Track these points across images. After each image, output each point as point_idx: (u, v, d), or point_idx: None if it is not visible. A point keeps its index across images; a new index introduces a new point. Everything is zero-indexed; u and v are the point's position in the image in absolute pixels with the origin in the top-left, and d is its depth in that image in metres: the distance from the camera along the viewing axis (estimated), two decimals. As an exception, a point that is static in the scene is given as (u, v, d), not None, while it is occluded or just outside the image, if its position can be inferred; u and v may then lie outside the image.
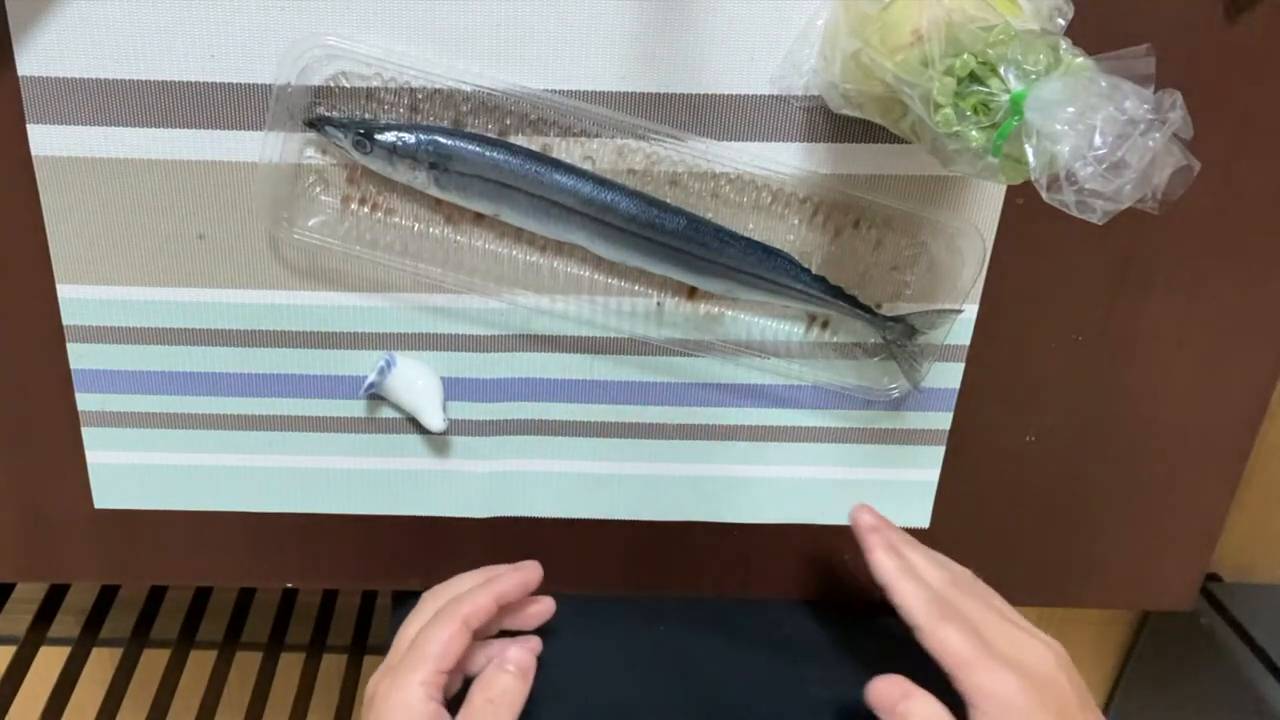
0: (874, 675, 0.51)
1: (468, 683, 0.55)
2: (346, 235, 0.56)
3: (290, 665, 1.03)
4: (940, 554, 0.58)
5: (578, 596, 0.69)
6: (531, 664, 0.56)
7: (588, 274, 0.57)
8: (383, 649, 0.56)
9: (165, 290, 0.57)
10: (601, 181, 0.53)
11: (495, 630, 0.58)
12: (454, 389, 0.60)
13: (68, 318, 0.58)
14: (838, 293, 0.56)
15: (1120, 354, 0.62)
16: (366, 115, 0.52)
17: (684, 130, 0.53)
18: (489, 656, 0.56)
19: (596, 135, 0.53)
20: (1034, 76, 0.38)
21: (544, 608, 0.60)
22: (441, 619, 0.53)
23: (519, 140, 0.53)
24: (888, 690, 0.50)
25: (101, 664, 0.93)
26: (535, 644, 0.58)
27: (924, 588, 0.53)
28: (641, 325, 0.59)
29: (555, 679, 0.63)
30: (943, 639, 0.50)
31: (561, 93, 0.53)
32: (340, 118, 0.52)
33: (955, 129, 0.39)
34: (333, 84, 0.52)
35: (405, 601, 0.76)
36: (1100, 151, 0.37)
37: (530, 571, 0.58)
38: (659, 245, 0.54)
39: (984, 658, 0.49)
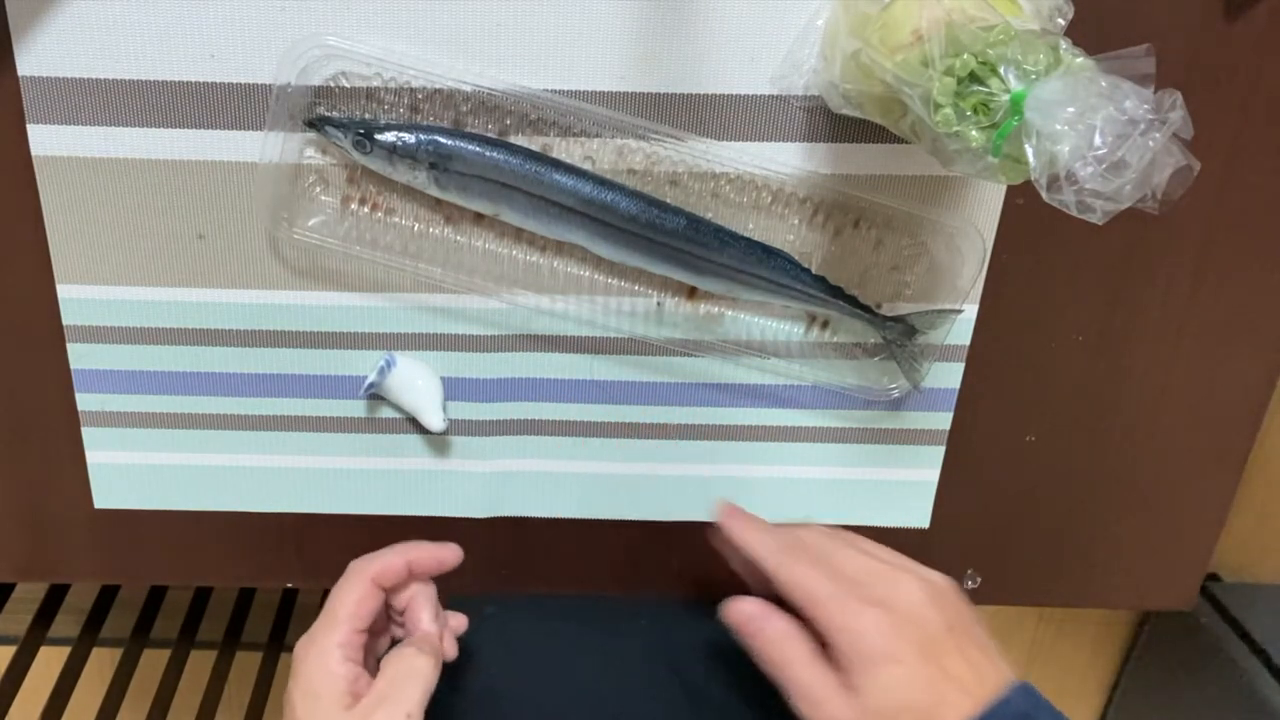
0: None
1: None
2: (346, 235, 0.56)
3: (290, 665, 1.03)
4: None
5: (562, 596, 0.69)
6: (439, 642, 0.54)
7: (588, 274, 0.57)
8: (382, 649, 0.56)
9: (165, 290, 0.57)
10: (601, 181, 0.53)
11: (415, 599, 0.56)
12: (454, 389, 0.60)
13: (68, 318, 0.58)
14: (838, 293, 0.56)
15: (1120, 354, 0.62)
16: (366, 115, 0.52)
17: (684, 130, 0.53)
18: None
19: (596, 135, 0.53)
20: (1034, 76, 0.38)
21: (451, 554, 0.57)
22: (350, 578, 0.53)
23: (519, 140, 0.53)
24: (745, 609, 0.49)
25: (101, 664, 0.93)
26: (459, 622, 0.57)
27: (774, 534, 0.51)
28: (641, 325, 0.59)
29: (535, 678, 0.63)
30: (792, 577, 0.48)
31: (561, 93, 0.53)
32: (340, 118, 0.52)
33: (955, 129, 0.39)
34: (333, 84, 0.52)
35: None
36: (1100, 151, 0.37)
37: (449, 551, 0.56)
38: (659, 245, 0.54)
39: (837, 594, 0.47)
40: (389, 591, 0.53)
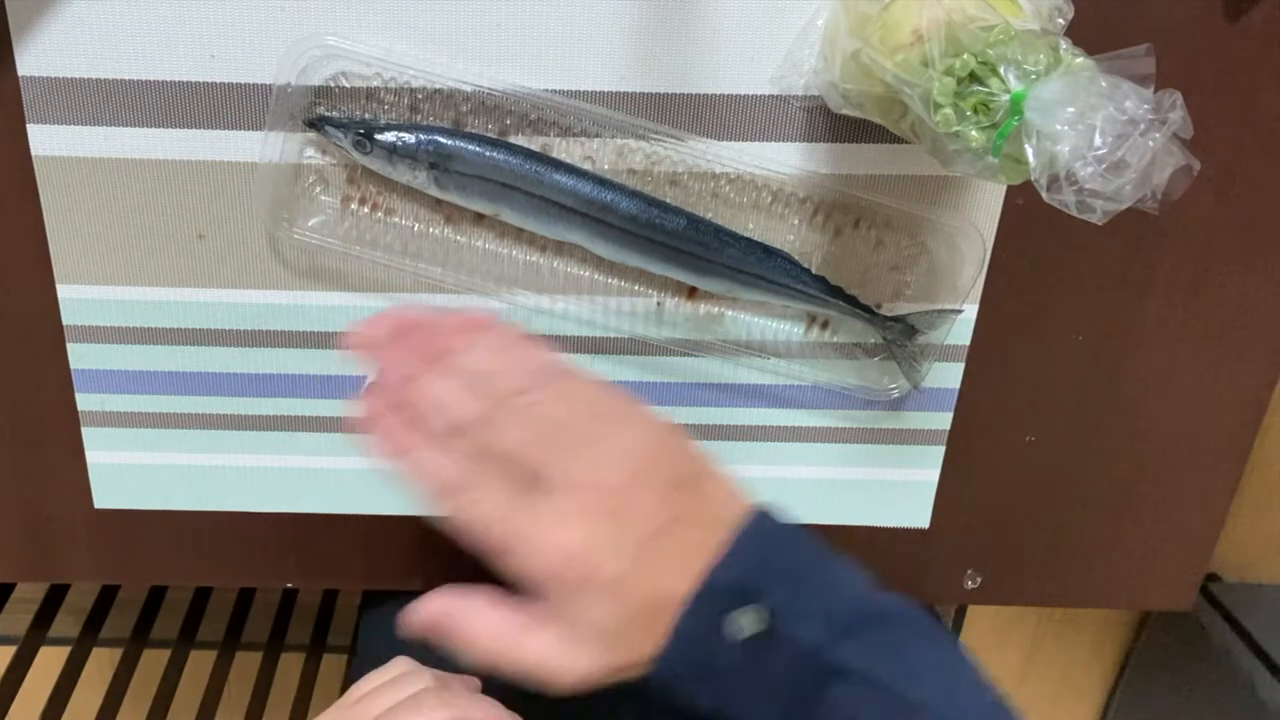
0: None
1: None
2: (346, 235, 0.56)
3: (290, 665, 1.03)
4: None
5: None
6: None
7: (588, 274, 0.57)
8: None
9: (165, 290, 0.57)
10: (601, 181, 0.53)
11: None
12: (454, 389, 0.60)
13: (68, 318, 0.58)
14: (838, 293, 0.56)
15: (1120, 354, 0.62)
16: (366, 115, 0.52)
17: (684, 130, 0.53)
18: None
19: (596, 135, 0.53)
20: (1034, 76, 0.38)
21: None
22: (419, 709, 0.46)
23: (519, 140, 0.53)
24: (411, 620, 0.42)
25: (101, 664, 0.93)
26: (475, 684, 0.51)
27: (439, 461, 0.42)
28: (641, 325, 0.59)
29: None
30: (465, 527, 0.40)
31: (561, 93, 0.53)
32: (340, 118, 0.52)
33: (955, 129, 0.39)
34: (333, 84, 0.52)
35: (376, 602, 0.76)
36: (1100, 151, 0.38)
37: None
38: (659, 245, 0.54)
39: (513, 530, 0.39)
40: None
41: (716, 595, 0.39)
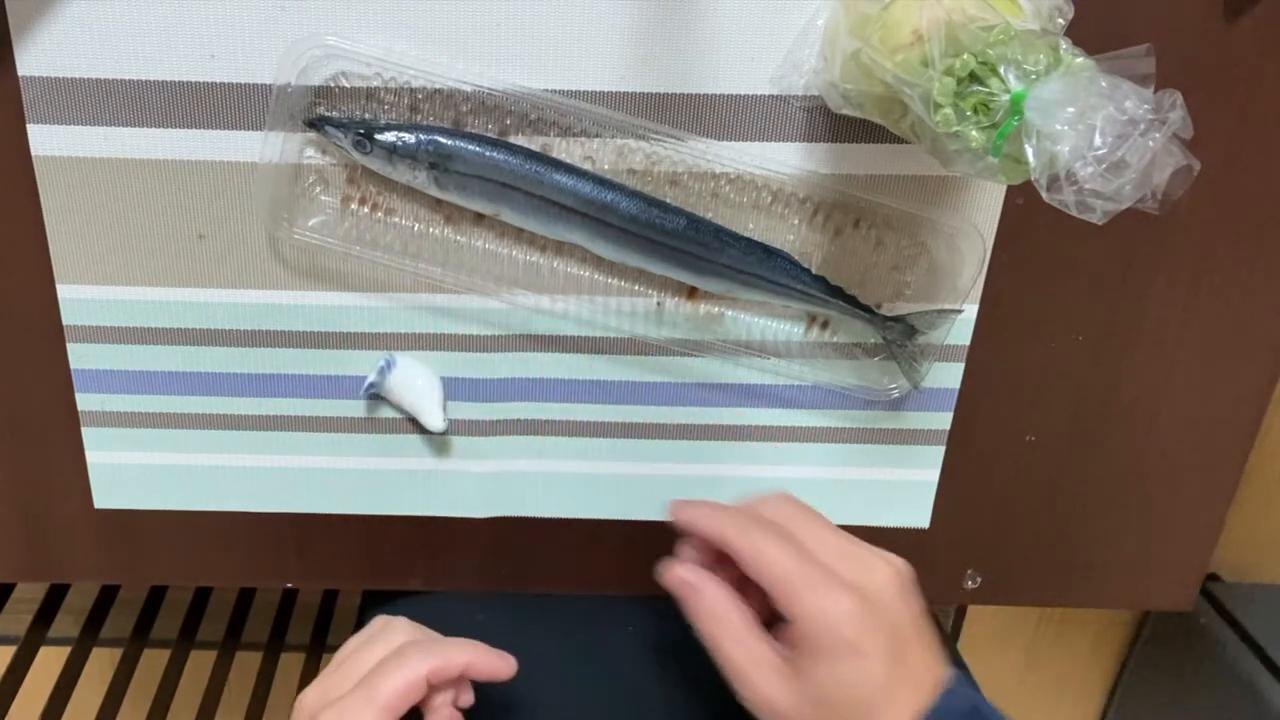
0: None
1: None
2: (346, 235, 0.56)
3: (290, 665, 1.03)
4: None
5: (557, 597, 0.69)
6: None
7: (588, 274, 0.57)
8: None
9: (165, 290, 0.57)
10: (601, 181, 0.53)
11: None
12: (454, 389, 0.60)
13: (68, 318, 0.58)
14: (838, 293, 0.56)
15: (1120, 354, 0.62)
16: (366, 115, 0.52)
17: (684, 130, 0.53)
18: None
19: (596, 135, 0.53)
20: (1034, 76, 0.38)
21: (506, 666, 0.53)
22: (404, 664, 0.48)
23: (519, 140, 0.53)
24: (682, 573, 0.48)
25: (101, 664, 0.93)
26: (468, 699, 0.53)
27: (735, 510, 0.48)
28: (641, 325, 0.59)
29: (529, 680, 0.62)
30: (759, 550, 0.45)
31: (561, 93, 0.53)
32: (340, 118, 0.52)
33: (955, 129, 0.39)
34: (333, 84, 0.52)
35: (376, 602, 0.76)
36: (1100, 151, 0.38)
37: (505, 663, 0.52)
38: (659, 245, 0.54)
39: (808, 573, 0.44)
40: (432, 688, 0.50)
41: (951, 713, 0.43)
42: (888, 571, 0.46)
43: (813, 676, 0.44)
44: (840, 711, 0.44)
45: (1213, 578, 1.58)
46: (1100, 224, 0.39)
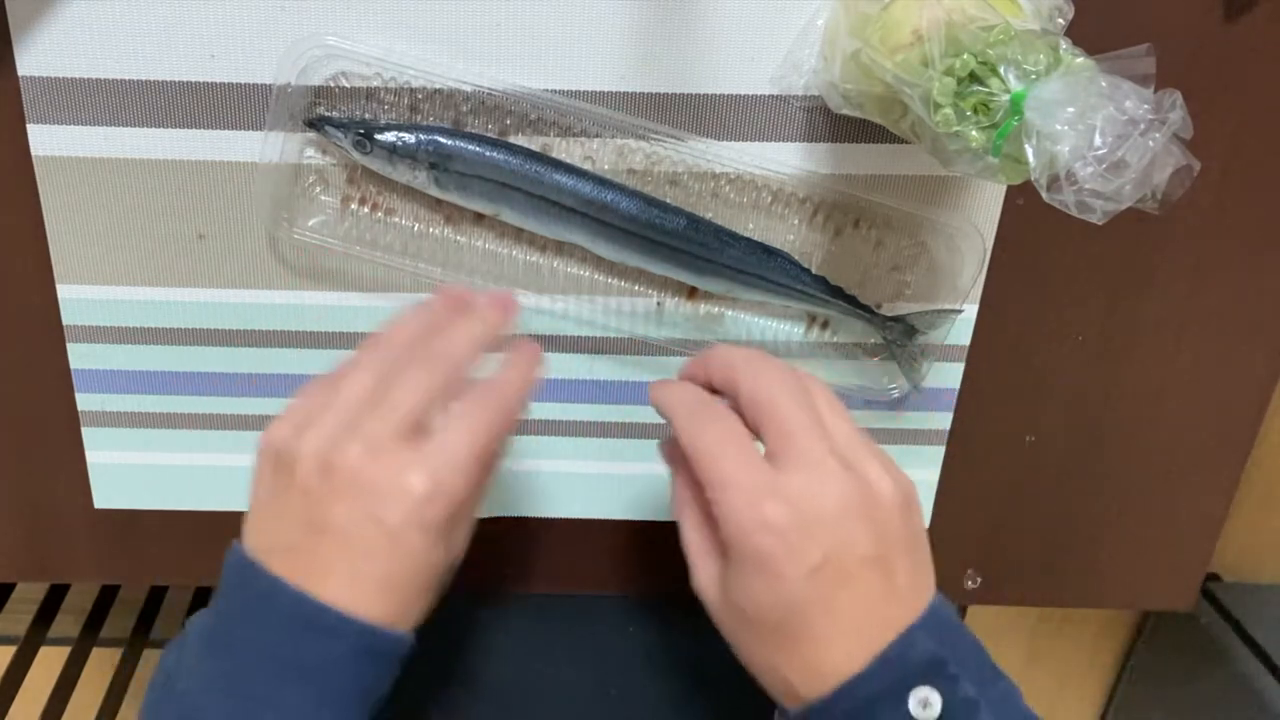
0: None
1: None
2: (346, 235, 0.56)
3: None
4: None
5: (557, 597, 0.69)
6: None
7: (588, 274, 0.57)
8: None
9: (165, 290, 0.57)
10: (601, 181, 0.53)
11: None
12: (454, 389, 0.60)
13: (68, 318, 0.58)
14: (838, 293, 0.56)
15: (1120, 354, 0.62)
16: (366, 115, 0.52)
17: (684, 130, 0.53)
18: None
19: (596, 135, 0.53)
20: (1034, 76, 0.38)
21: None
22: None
23: (519, 140, 0.53)
24: (666, 449, 0.46)
25: (101, 664, 0.93)
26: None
27: (744, 369, 0.43)
28: (641, 325, 0.59)
29: (529, 680, 0.62)
30: (698, 443, 0.41)
31: (561, 93, 0.53)
32: (340, 118, 0.52)
33: (955, 129, 0.39)
34: (333, 84, 0.52)
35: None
36: (1100, 151, 0.38)
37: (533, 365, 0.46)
38: (659, 245, 0.54)
39: (748, 477, 0.40)
40: None
41: (906, 667, 0.39)
42: (888, 488, 0.42)
43: (730, 581, 0.41)
44: (755, 626, 0.41)
45: (1213, 578, 1.58)
46: (1100, 224, 0.39)
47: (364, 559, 0.39)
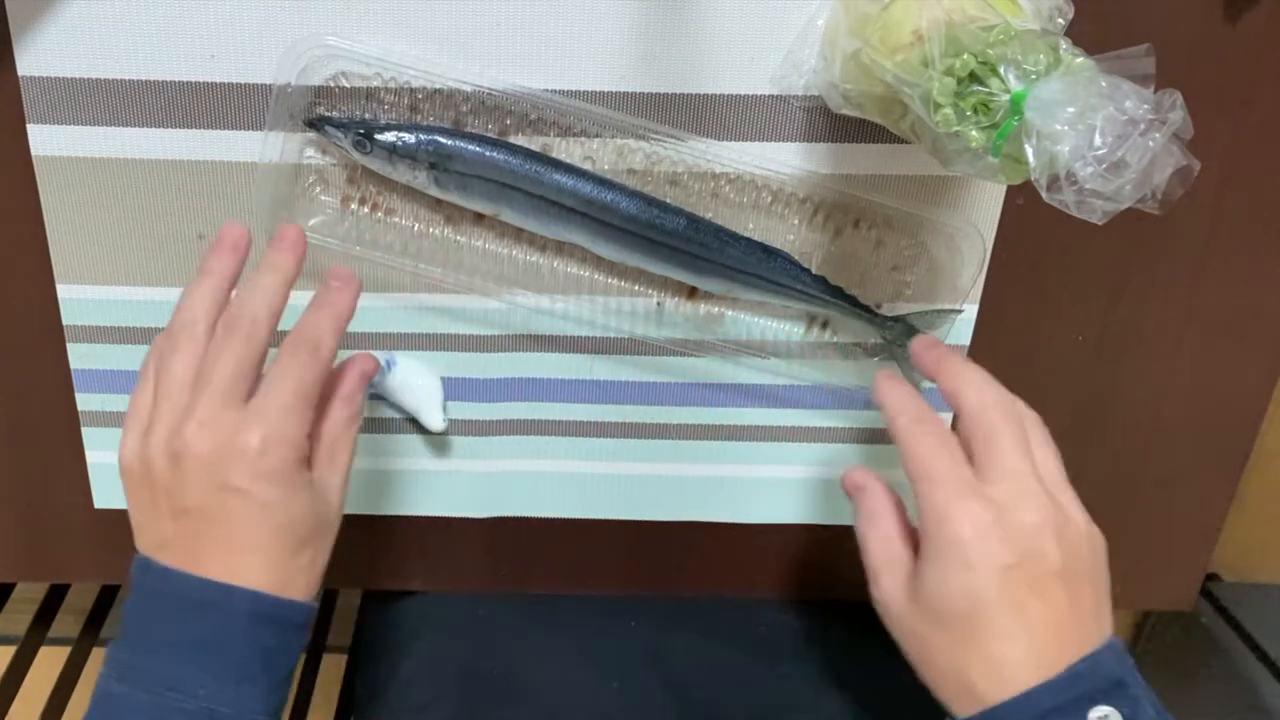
0: (860, 674, 0.50)
1: None
2: (346, 235, 0.56)
3: (290, 665, 1.03)
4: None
5: (557, 597, 0.69)
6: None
7: (588, 274, 0.57)
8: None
9: (165, 290, 0.57)
10: (601, 181, 0.53)
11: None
12: (454, 389, 0.60)
13: (68, 318, 0.58)
14: (838, 293, 0.56)
15: (1120, 354, 0.62)
16: (366, 115, 0.52)
17: (684, 130, 0.53)
18: None
19: (596, 135, 0.53)
20: (1034, 76, 0.38)
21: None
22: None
23: (519, 140, 0.53)
24: (851, 478, 0.49)
25: (101, 664, 0.93)
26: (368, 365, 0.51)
27: (975, 391, 0.47)
28: (641, 325, 0.59)
29: (529, 679, 0.62)
30: (914, 437, 0.45)
31: (561, 93, 0.53)
32: (340, 118, 0.52)
33: (955, 129, 0.39)
34: (333, 84, 0.52)
35: (376, 602, 0.76)
36: (1100, 151, 0.37)
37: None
38: (659, 245, 0.54)
39: (956, 476, 0.43)
40: None
41: (1091, 684, 0.41)
42: (1081, 521, 0.45)
43: (922, 575, 0.43)
44: (945, 620, 0.43)
45: (1213, 578, 1.58)
46: (1100, 224, 0.39)
47: (227, 527, 0.41)
